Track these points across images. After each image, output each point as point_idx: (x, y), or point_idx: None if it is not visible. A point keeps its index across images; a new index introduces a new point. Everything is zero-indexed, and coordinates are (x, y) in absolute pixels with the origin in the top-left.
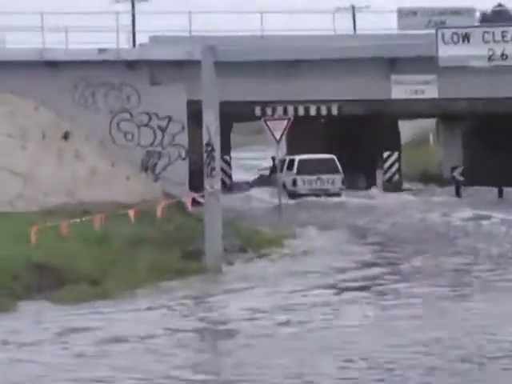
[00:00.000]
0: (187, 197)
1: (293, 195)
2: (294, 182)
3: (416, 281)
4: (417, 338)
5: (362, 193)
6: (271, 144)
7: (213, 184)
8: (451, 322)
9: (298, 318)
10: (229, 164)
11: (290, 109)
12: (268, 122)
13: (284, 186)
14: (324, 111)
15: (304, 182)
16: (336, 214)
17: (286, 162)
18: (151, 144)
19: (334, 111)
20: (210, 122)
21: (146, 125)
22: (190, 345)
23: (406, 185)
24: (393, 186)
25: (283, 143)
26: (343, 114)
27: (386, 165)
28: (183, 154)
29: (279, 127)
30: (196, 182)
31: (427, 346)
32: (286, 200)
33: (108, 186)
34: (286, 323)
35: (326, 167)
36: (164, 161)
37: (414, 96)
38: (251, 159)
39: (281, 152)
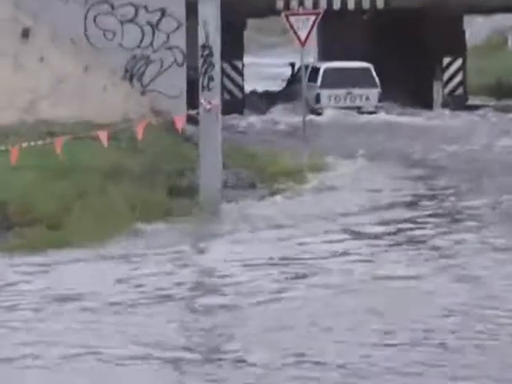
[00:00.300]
0: (179, 115)
1: (316, 114)
2: (317, 98)
3: (456, 227)
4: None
5: (414, 111)
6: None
7: (210, 98)
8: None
9: (302, 271)
10: (240, 73)
11: (322, 1)
12: (290, 18)
13: (306, 102)
14: (367, 4)
15: (330, 98)
16: (377, 139)
17: (309, 70)
18: (138, 45)
19: (380, 4)
20: (208, 16)
21: (132, 20)
22: (160, 307)
23: (473, 100)
24: (455, 102)
25: (313, 47)
26: (392, 8)
27: (447, 75)
28: (180, 60)
29: (305, 25)
30: (197, 96)
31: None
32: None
33: (79, 98)
34: (283, 280)
35: (358, 79)
36: (155, 67)
37: None
38: (275, 66)
39: (310, 58)
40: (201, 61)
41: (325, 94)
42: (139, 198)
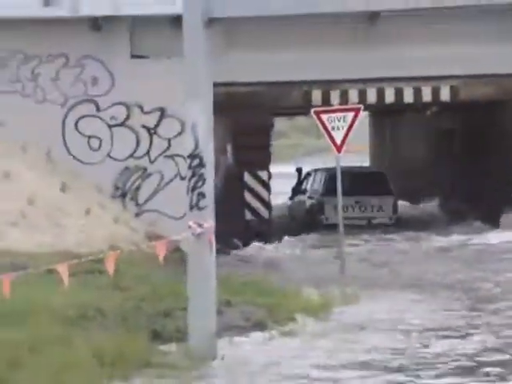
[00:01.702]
0: (160, 243)
1: (317, 227)
2: (321, 208)
3: None
4: None
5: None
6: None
7: (201, 220)
8: None
9: None
10: (267, 185)
11: (371, 93)
12: (322, 116)
13: (308, 212)
14: (428, 96)
15: (335, 208)
16: (433, 267)
17: (313, 177)
18: (131, 155)
19: (445, 95)
20: (197, 118)
21: (123, 123)
22: None
23: None
24: None
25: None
26: (460, 100)
27: None
28: (185, 171)
29: (342, 124)
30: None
31: None
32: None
33: (54, 224)
34: None
35: (369, 186)
36: (152, 182)
37: None
38: None
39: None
40: (189, 173)
41: (329, 202)
42: (113, 347)
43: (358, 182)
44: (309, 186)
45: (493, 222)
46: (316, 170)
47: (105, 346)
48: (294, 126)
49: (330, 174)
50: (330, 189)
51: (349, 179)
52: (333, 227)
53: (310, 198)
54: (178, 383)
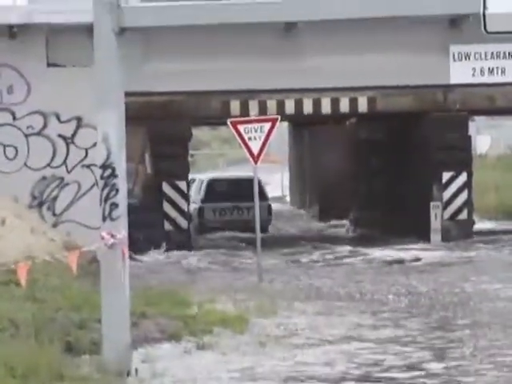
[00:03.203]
0: (72, 254)
1: (201, 230)
2: (201, 212)
3: None
4: None
5: (401, 242)
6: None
7: (114, 231)
8: None
9: None
10: (185, 195)
11: (289, 103)
12: (238, 126)
13: (191, 217)
14: (345, 107)
15: (214, 212)
16: (353, 277)
17: (195, 183)
18: (48, 164)
19: (363, 107)
20: (109, 128)
21: (39, 133)
22: None
23: (486, 224)
24: (457, 229)
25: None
26: (377, 112)
27: (448, 193)
28: None
29: (259, 135)
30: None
31: None
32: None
33: None
34: None
35: (245, 192)
36: (70, 192)
37: (488, 79)
38: None
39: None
40: (101, 184)
41: (208, 207)
42: (25, 359)
43: (235, 189)
44: (192, 193)
45: (410, 235)
46: (199, 178)
47: (17, 358)
48: (217, 136)
49: (210, 182)
50: (209, 196)
51: (227, 186)
52: (213, 229)
53: (193, 203)
54: None
